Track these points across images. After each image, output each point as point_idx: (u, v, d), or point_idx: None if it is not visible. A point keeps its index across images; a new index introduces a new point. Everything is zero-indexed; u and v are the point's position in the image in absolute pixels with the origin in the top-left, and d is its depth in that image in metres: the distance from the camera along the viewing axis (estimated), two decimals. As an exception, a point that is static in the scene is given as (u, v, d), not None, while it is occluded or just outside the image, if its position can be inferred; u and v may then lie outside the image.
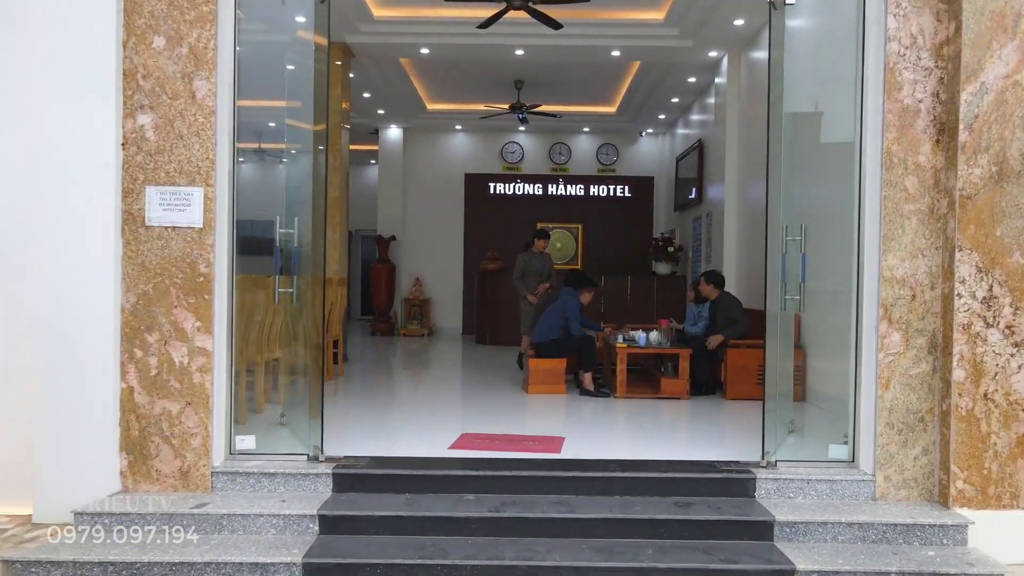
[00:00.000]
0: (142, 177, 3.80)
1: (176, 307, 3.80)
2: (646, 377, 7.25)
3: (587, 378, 6.62)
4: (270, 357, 5.17)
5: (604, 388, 6.79)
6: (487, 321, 11.48)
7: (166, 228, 3.80)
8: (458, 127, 13.08)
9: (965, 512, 3.65)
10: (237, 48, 3.96)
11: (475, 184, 13.31)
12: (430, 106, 12.37)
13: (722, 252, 8.66)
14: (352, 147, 15.79)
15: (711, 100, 9.68)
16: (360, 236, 15.46)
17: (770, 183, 4.08)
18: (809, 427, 4.71)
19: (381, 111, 11.94)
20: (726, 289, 7.18)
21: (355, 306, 16.01)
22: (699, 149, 10.26)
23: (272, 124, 5.70)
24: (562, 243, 13.28)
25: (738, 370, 6.46)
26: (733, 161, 8.62)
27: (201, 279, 3.80)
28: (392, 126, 13.05)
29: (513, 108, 10.75)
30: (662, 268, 11.35)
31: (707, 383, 6.71)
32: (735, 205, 8.58)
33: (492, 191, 13.27)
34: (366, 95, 10.86)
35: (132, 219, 3.81)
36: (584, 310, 7.13)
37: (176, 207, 3.80)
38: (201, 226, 3.80)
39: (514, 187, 13.27)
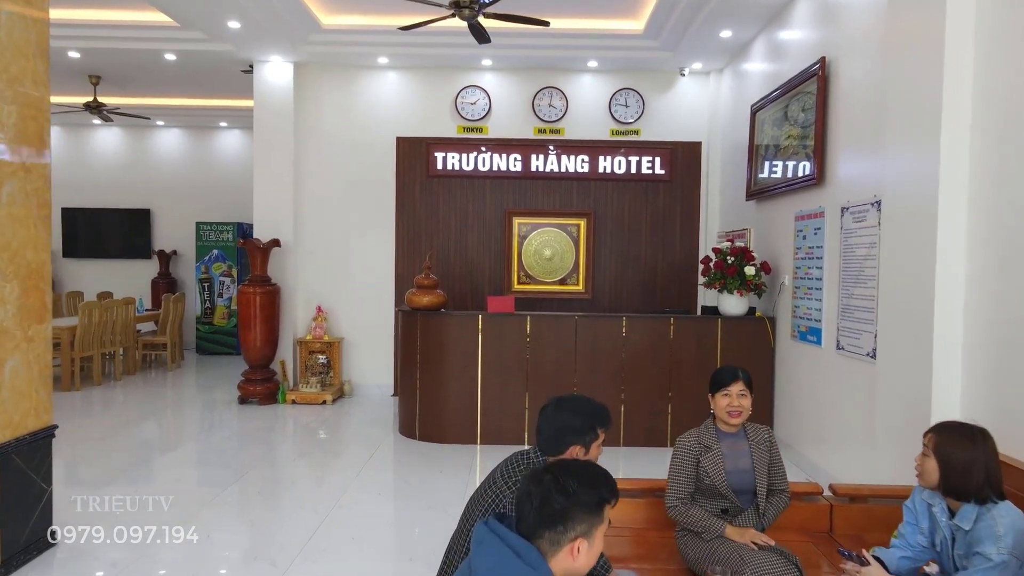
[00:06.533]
0: None
1: None
2: None
3: None
4: None
5: None
6: (417, 399, 6.41)
7: None
8: (383, 60, 7.94)
9: None
10: None
11: (413, 154, 8.21)
12: (326, 20, 7.25)
13: (910, 301, 3.58)
14: (226, 101, 10.13)
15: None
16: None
17: None
18: None
19: (235, 24, 6.79)
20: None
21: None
22: (820, 80, 5.19)
23: None
24: (553, 251, 8.21)
25: None
26: (965, 105, 3.50)
27: None
28: (272, 58, 7.90)
29: (457, 5, 5.65)
30: (732, 305, 6.27)
31: None
32: (964, 197, 3.49)
33: (441, 166, 8.18)
34: (176, -21, 5.72)
35: None
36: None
37: None
38: None
39: (476, 159, 8.19)
